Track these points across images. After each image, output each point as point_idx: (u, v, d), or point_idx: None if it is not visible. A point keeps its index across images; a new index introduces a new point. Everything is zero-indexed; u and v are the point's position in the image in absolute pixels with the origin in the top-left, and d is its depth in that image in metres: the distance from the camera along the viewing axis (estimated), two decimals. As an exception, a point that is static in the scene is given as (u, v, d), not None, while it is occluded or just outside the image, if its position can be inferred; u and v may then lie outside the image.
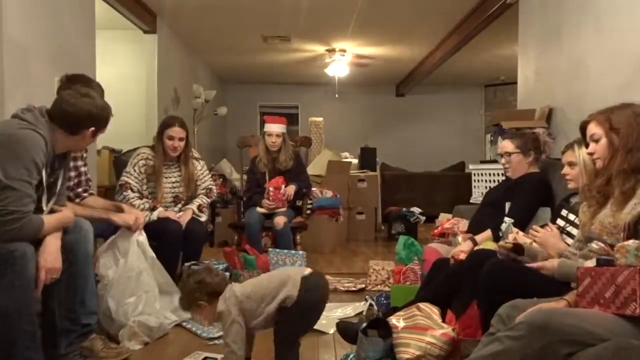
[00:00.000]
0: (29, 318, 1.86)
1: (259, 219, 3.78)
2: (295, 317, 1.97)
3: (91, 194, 2.72)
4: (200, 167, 3.38)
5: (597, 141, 1.74)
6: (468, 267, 2.19)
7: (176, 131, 3.19)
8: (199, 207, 3.25)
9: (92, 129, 2.05)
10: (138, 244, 2.57)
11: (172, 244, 2.97)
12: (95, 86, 2.48)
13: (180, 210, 3.22)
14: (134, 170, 3.16)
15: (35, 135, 1.89)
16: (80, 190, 2.64)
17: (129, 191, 3.11)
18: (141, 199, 3.13)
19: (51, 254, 1.93)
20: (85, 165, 2.70)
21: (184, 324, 2.76)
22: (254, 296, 1.97)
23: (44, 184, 1.98)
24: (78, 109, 2.00)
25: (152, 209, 3.10)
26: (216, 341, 2.52)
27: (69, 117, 2.00)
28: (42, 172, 1.94)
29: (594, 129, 1.75)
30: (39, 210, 1.97)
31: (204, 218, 3.25)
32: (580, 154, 2.11)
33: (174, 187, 3.25)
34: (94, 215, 2.42)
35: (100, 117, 2.06)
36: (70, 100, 2.01)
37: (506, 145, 2.81)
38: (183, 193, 3.26)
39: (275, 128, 3.97)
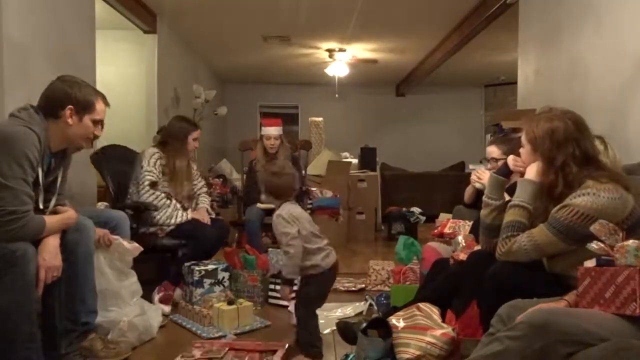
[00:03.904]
0: (29, 318, 1.86)
1: (259, 216, 3.81)
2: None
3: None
4: (195, 168, 3.54)
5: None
6: (468, 267, 2.19)
7: (199, 132, 3.41)
8: (211, 206, 3.45)
9: (70, 107, 2.02)
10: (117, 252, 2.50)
11: (207, 248, 3.15)
12: None
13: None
14: (155, 169, 3.22)
15: (27, 132, 1.89)
16: None
17: (159, 192, 3.19)
18: (169, 199, 3.21)
19: (50, 252, 1.93)
20: None
21: (184, 324, 2.77)
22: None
23: (41, 182, 1.97)
24: (52, 89, 2.04)
25: (185, 209, 3.24)
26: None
27: (48, 101, 2.03)
28: (38, 170, 1.94)
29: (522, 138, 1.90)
30: (36, 209, 1.96)
31: (214, 215, 3.40)
32: None
33: (184, 186, 3.35)
34: None
35: (75, 95, 2.03)
36: (49, 86, 2.06)
37: (492, 150, 2.83)
38: (187, 191, 3.37)
39: (272, 131, 4.05)
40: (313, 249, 2.32)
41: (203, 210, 3.34)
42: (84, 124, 2.07)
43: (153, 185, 3.17)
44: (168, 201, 3.18)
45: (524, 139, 1.89)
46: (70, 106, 2.02)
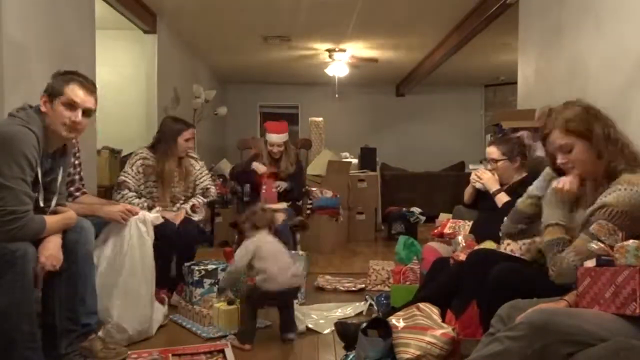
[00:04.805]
0: (29, 318, 1.86)
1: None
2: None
3: (84, 193, 2.71)
4: (199, 167, 3.42)
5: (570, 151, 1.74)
6: (468, 266, 2.19)
7: (192, 132, 3.30)
8: (192, 207, 3.25)
9: (43, 96, 2.02)
10: (137, 239, 2.51)
11: (165, 245, 2.94)
12: None
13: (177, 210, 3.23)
14: (132, 170, 3.20)
15: (26, 131, 1.88)
16: (72, 189, 2.62)
17: (127, 190, 3.15)
18: (139, 198, 3.16)
19: (49, 249, 1.94)
20: (79, 165, 2.69)
21: (184, 324, 2.77)
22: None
23: (40, 182, 1.97)
24: None
25: (150, 208, 3.11)
26: (217, 341, 2.52)
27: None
28: (37, 170, 1.93)
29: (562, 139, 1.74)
30: (36, 208, 1.96)
31: (196, 218, 3.25)
32: None
33: (173, 187, 3.28)
34: (85, 212, 2.38)
35: (50, 84, 2.04)
36: None
37: (492, 151, 2.82)
38: (180, 193, 3.31)
39: (276, 139, 4.02)
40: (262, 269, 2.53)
41: (181, 211, 3.20)
42: (56, 110, 2.02)
43: (120, 184, 3.16)
44: (137, 200, 3.11)
45: (564, 140, 1.74)
46: (43, 96, 2.02)
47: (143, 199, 3.16)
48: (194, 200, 3.29)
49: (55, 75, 2.09)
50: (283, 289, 2.51)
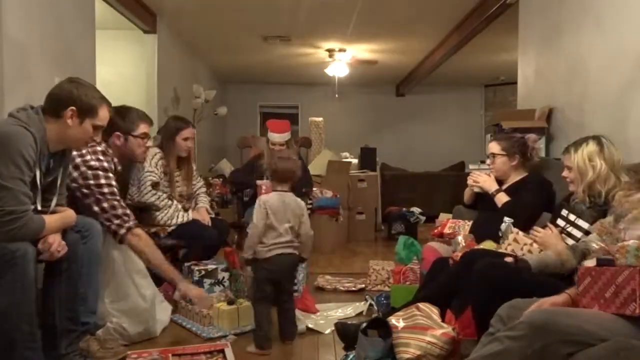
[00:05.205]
0: (29, 318, 1.86)
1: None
2: None
3: None
4: (195, 168, 3.55)
5: None
6: (463, 267, 2.20)
7: (191, 132, 3.31)
8: (211, 206, 3.44)
9: (72, 108, 1.97)
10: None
11: (209, 249, 3.12)
12: None
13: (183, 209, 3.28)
14: (157, 169, 3.18)
15: (23, 131, 1.87)
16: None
17: (161, 192, 3.14)
18: (171, 199, 3.17)
19: (53, 235, 1.95)
20: None
21: (184, 324, 2.77)
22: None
23: (38, 183, 1.97)
24: (59, 88, 2.02)
25: (185, 209, 3.22)
26: (217, 342, 2.52)
27: (52, 99, 2.01)
28: (36, 170, 1.93)
29: None
30: (34, 210, 1.95)
31: (213, 215, 3.41)
32: (575, 158, 2.12)
33: (177, 186, 3.33)
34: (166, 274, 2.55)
35: (79, 97, 1.99)
36: (57, 85, 2.05)
37: (492, 146, 2.83)
38: (185, 192, 3.36)
39: (278, 138, 4.03)
40: (267, 241, 2.45)
41: (203, 210, 3.35)
42: (84, 128, 2.03)
43: (155, 185, 3.13)
44: (170, 202, 3.15)
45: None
46: (72, 107, 1.98)
47: (175, 202, 3.18)
48: (205, 199, 3.44)
49: (78, 85, 2.04)
50: (279, 263, 2.44)
